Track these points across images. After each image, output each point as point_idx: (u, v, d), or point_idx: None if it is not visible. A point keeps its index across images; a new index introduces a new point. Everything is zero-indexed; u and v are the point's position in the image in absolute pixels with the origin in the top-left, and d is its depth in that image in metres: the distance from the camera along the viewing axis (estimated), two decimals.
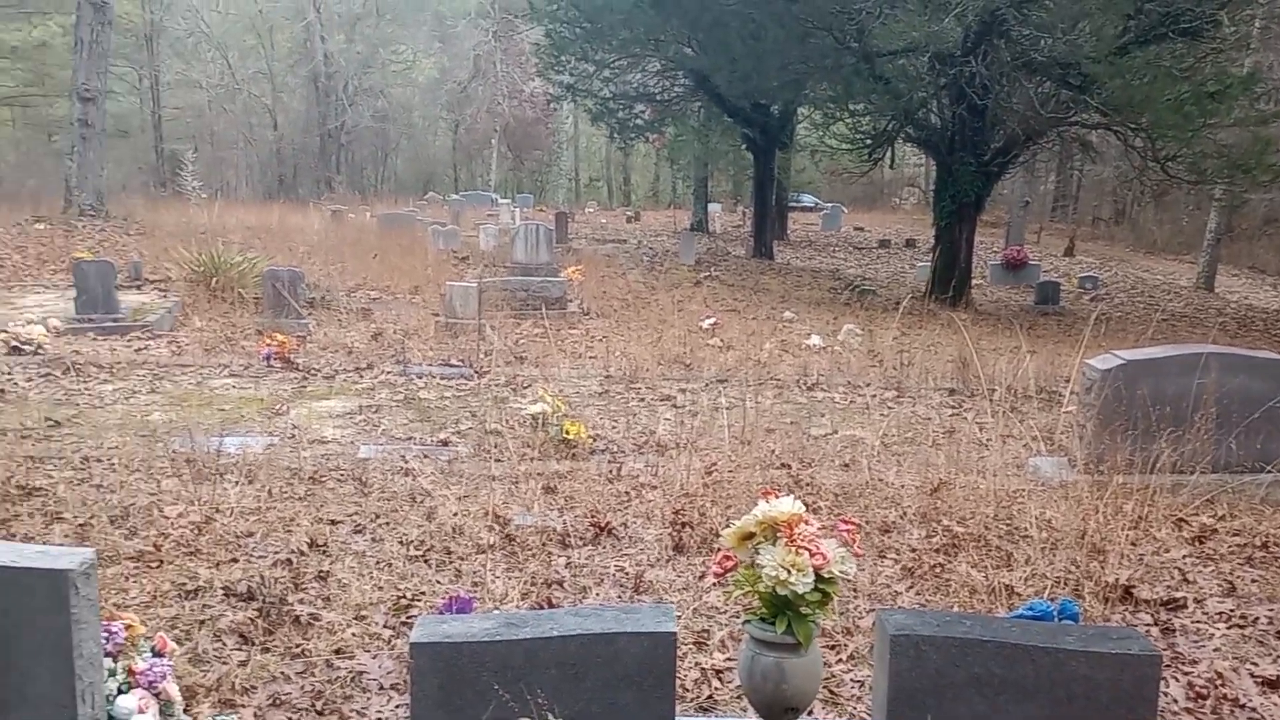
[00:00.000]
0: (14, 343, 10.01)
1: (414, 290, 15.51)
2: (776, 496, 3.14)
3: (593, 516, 5.33)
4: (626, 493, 5.87)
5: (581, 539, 5.09)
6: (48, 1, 38.62)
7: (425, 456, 6.53)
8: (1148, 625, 4.26)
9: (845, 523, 3.21)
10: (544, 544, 4.97)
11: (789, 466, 6.53)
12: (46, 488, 5.50)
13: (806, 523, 3.05)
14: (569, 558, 4.86)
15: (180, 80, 48.39)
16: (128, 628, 3.16)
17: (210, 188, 30.11)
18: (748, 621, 3.12)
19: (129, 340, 11.31)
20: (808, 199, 43.56)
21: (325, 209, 29.54)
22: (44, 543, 4.67)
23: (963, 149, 19.53)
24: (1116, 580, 4.54)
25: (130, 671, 3.10)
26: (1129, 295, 24.01)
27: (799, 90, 22.73)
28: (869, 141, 21.76)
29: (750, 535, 3.13)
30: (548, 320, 12.53)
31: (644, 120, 27.91)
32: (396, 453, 6.62)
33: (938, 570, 4.79)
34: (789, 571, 2.96)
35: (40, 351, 9.99)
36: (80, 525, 4.95)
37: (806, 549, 2.99)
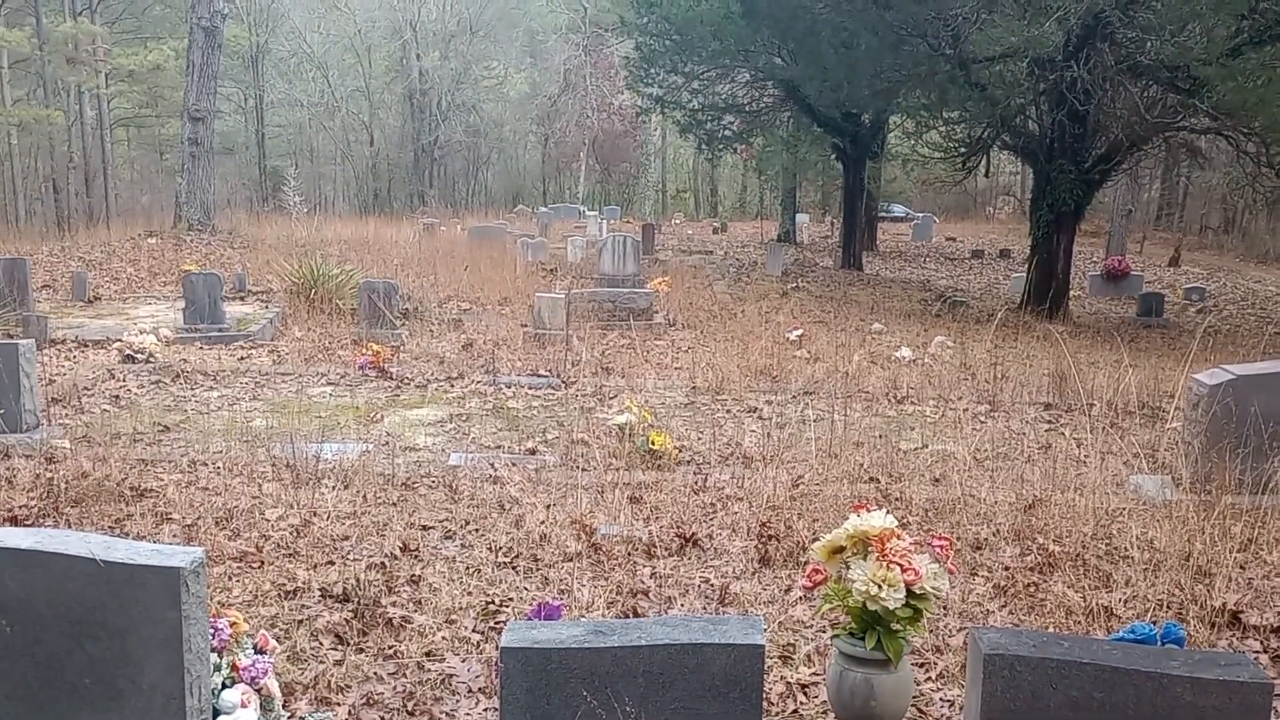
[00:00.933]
0: (128, 351, 10.45)
1: (503, 302, 15.73)
2: (868, 510, 3.12)
3: (678, 527, 5.33)
4: (712, 504, 5.86)
5: (667, 549, 5.10)
6: (162, 27, 40.32)
7: (513, 465, 6.61)
8: (1256, 652, 4.11)
9: (938, 539, 3.18)
10: (629, 554, 5.00)
11: (878, 480, 6.45)
12: (157, 489, 5.73)
13: (899, 537, 3.03)
14: (654, 568, 4.87)
15: (282, 99, 49.99)
16: (232, 625, 3.28)
17: (309, 202, 31.01)
18: (836, 636, 3.11)
19: (233, 349, 11.70)
20: (898, 209, 42.98)
21: (418, 222, 30.15)
22: (155, 542, 4.86)
23: (1062, 156, 19.06)
24: (1224, 604, 4.38)
25: (234, 667, 3.21)
26: (1239, 307, 23.10)
27: (891, 99, 22.43)
28: (963, 150, 21.40)
29: (840, 549, 3.12)
30: (634, 331, 12.58)
31: (732, 131, 27.85)
32: (486, 461, 6.72)
33: (1032, 589, 4.68)
34: (880, 586, 2.94)
35: (152, 360, 10.39)
36: (187, 526, 5.14)
37: (898, 564, 2.97)
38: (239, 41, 42.01)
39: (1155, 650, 3.10)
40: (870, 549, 3.01)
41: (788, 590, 4.65)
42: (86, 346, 11.68)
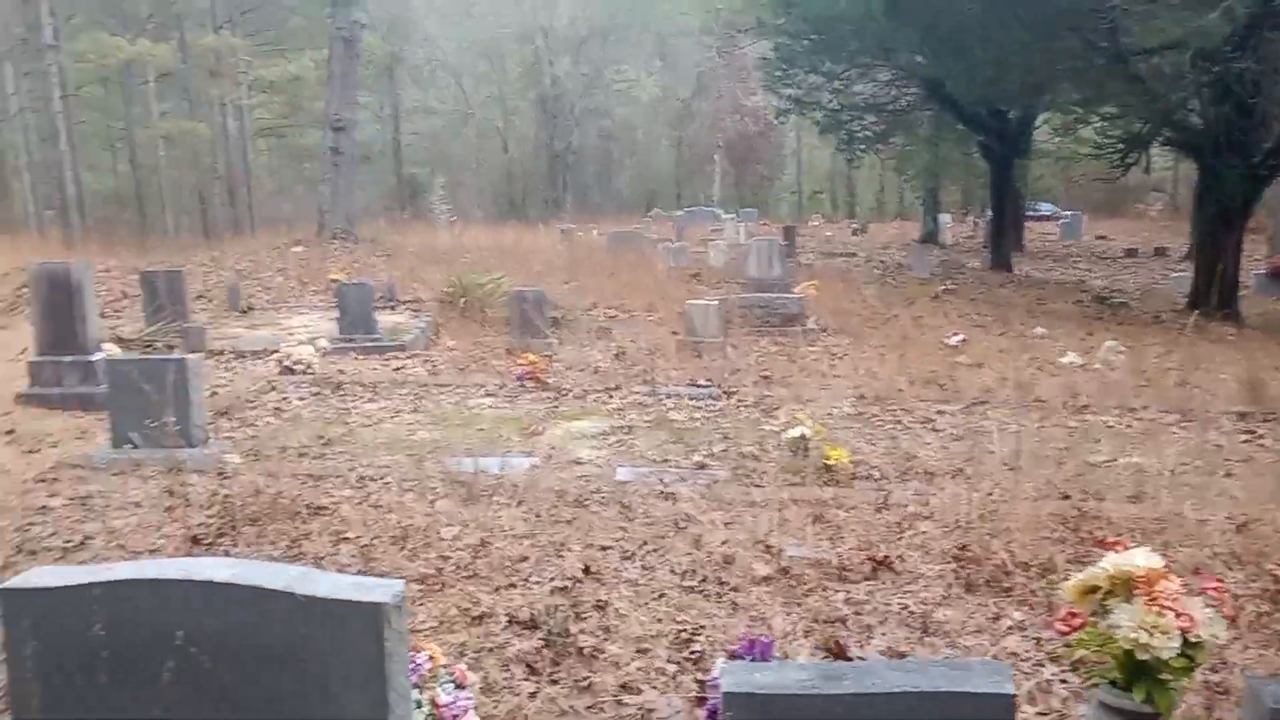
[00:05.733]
0: (287, 363, 10.59)
1: (648, 308, 15.56)
2: (1125, 547, 2.80)
3: (866, 549, 5.04)
4: (898, 523, 5.54)
5: (858, 573, 4.82)
6: (300, 38, 41.67)
7: (683, 480, 6.41)
8: None
9: (1209, 580, 2.83)
10: (820, 578, 4.73)
11: (1069, 497, 6.02)
12: (330, 506, 5.70)
13: (1168, 579, 2.70)
14: (848, 593, 4.59)
15: (417, 107, 51.12)
16: (431, 659, 3.15)
17: (450, 210, 31.54)
18: (1095, 684, 2.79)
19: (386, 359, 11.77)
20: (1045, 207, 41.40)
21: (557, 228, 30.36)
22: (333, 562, 4.83)
23: (1229, 151, 17.93)
24: None
25: (434, 704, 3.08)
26: None
27: (1041, 94, 21.61)
28: (1120, 145, 20.37)
29: (1094, 589, 2.80)
30: (785, 337, 12.27)
31: (873, 131, 27.24)
32: (654, 476, 6.53)
33: (1265, 619, 4.24)
34: (1150, 633, 2.62)
35: (310, 371, 10.51)
36: (364, 546, 5.07)
37: (1170, 609, 2.64)
38: (374, 50, 43.13)
39: None
40: (1135, 592, 2.69)
41: (995, 619, 4.32)
42: (244, 357, 11.81)
